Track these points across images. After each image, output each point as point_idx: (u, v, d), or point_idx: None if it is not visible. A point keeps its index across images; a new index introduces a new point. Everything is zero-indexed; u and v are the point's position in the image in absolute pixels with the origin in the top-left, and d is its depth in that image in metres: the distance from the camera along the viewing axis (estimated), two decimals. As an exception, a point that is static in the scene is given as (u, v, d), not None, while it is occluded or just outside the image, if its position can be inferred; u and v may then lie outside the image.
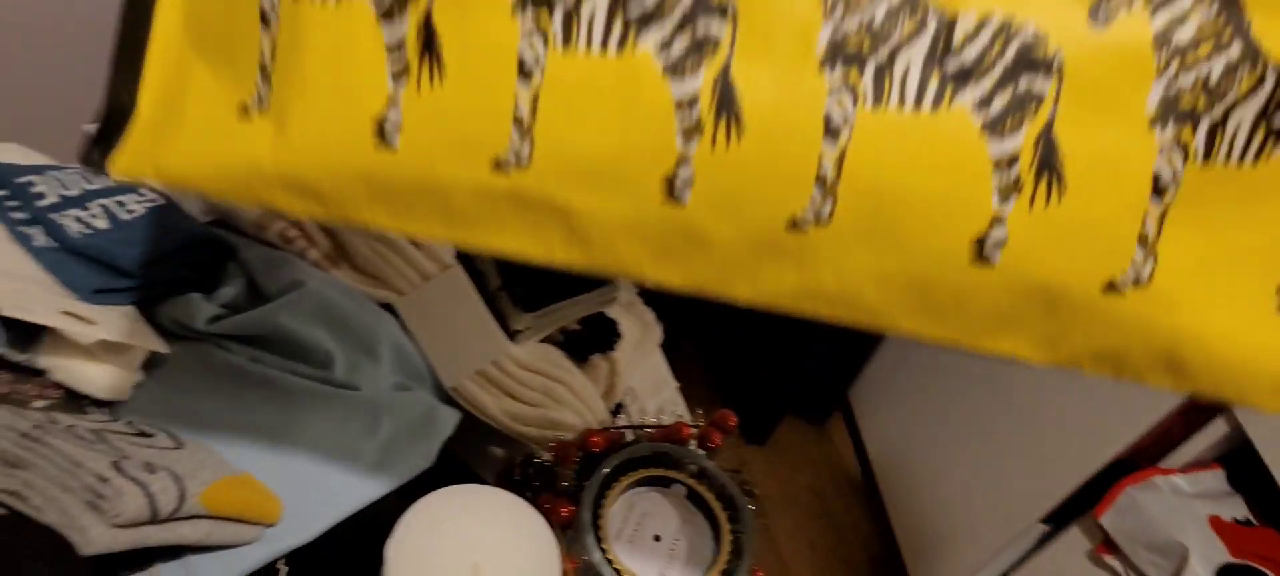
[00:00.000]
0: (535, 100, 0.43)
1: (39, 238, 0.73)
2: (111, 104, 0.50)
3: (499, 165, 0.44)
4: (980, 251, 0.42)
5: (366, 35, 0.45)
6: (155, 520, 0.62)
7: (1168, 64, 0.39)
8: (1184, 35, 0.39)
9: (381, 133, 0.45)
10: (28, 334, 0.68)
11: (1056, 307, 0.42)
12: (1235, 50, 0.39)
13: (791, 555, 1.87)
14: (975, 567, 1.63)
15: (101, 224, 0.74)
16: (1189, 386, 0.43)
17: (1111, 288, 0.41)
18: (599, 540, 0.70)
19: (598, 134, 0.43)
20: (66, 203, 0.75)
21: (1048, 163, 0.41)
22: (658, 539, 0.73)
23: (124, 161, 0.49)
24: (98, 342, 0.67)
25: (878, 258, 0.43)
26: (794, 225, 0.43)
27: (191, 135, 0.49)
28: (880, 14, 0.41)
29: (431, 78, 0.44)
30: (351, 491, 0.71)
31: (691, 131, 0.42)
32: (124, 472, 0.61)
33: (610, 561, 0.69)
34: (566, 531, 0.71)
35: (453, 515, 0.63)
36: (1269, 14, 0.39)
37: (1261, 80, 0.39)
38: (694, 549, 0.74)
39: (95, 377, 0.68)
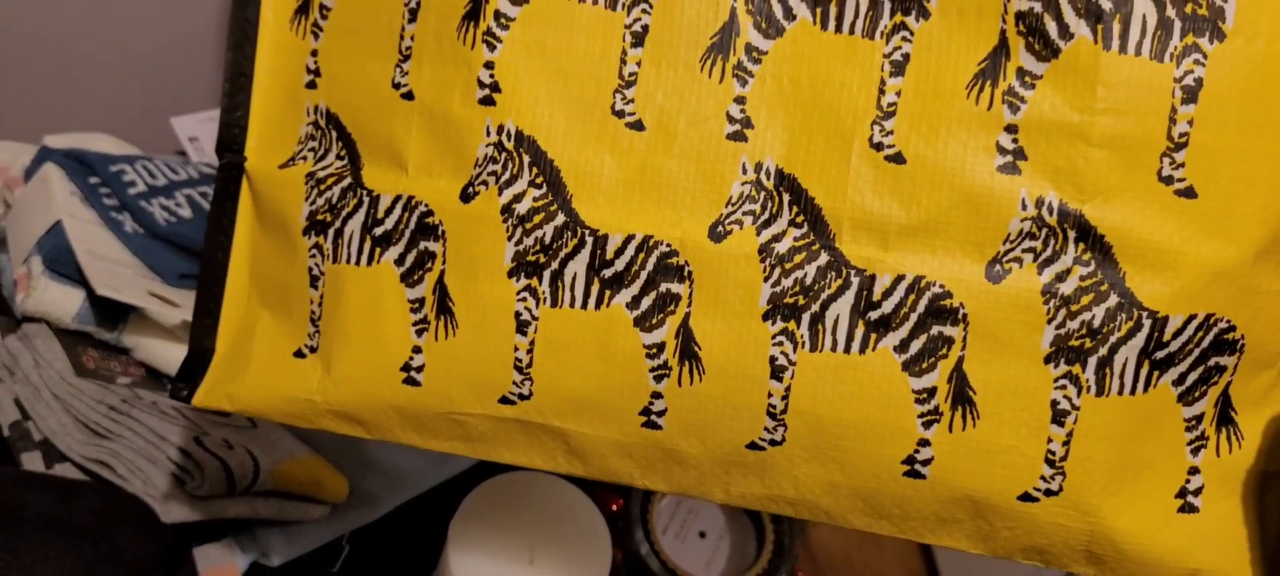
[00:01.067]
0: (531, 348, 0.52)
1: (128, 223, 0.77)
2: (195, 346, 0.60)
3: (505, 400, 0.53)
4: (911, 468, 0.48)
5: (393, 294, 0.54)
6: (232, 494, 0.66)
7: (1056, 312, 0.46)
8: (1067, 288, 0.46)
9: (408, 375, 0.54)
10: (116, 314, 0.72)
11: (982, 512, 0.48)
12: (1113, 299, 0.45)
13: (827, 566, 1.87)
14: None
15: (186, 213, 0.79)
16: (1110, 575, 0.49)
17: (1026, 497, 0.47)
18: (647, 533, 0.75)
19: (583, 375, 0.51)
20: (154, 191, 0.80)
21: (961, 395, 0.47)
22: (703, 535, 0.78)
23: (204, 394, 0.59)
24: (180, 324, 0.71)
25: (826, 472, 0.49)
26: (753, 446, 0.50)
27: (257, 373, 0.58)
28: (810, 274, 0.48)
29: (447, 330, 0.53)
30: (416, 476, 0.75)
31: (661, 372, 0.50)
32: (205, 447, 0.65)
33: (657, 553, 0.74)
34: (616, 522, 0.76)
35: (512, 500, 0.67)
36: (1140, 267, 0.45)
37: (1139, 324, 0.45)
38: (737, 547, 0.79)
39: (177, 357, 0.71)
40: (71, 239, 0.72)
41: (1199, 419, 0.47)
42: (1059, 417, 0.46)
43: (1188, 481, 0.48)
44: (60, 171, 0.79)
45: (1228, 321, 0.46)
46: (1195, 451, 0.48)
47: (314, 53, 0.58)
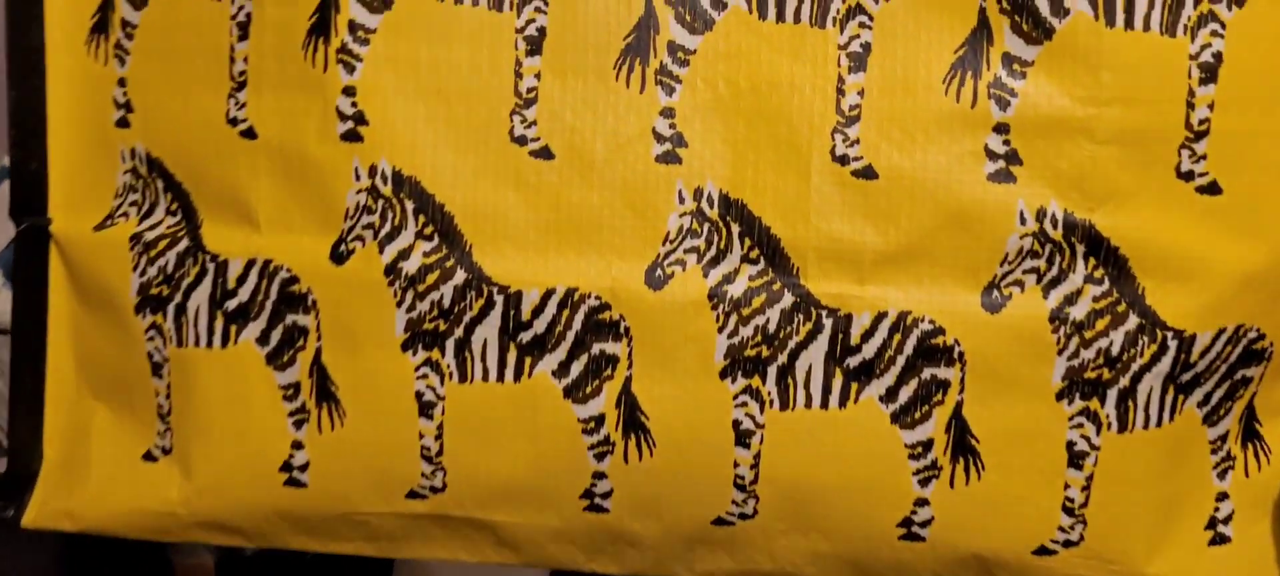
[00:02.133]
0: (440, 432, 0.42)
1: None
2: (15, 455, 0.49)
3: (414, 494, 0.44)
4: (908, 531, 0.41)
5: (259, 380, 0.44)
6: None
7: (1067, 341, 0.39)
8: (1079, 312, 0.39)
9: (290, 475, 0.44)
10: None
11: (992, 570, 0.42)
12: (1132, 320, 0.39)
13: None
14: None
15: None
16: None
17: (1043, 551, 0.41)
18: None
19: (508, 460, 0.42)
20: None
21: (962, 445, 0.40)
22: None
23: (36, 513, 0.48)
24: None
25: (809, 543, 0.42)
26: (720, 522, 0.42)
27: (101, 482, 0.48)
28: (774, 319, 0.40)
29: (332, 419, 0.43)
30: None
31: (602, 449, 0.41)
32: None
33: None
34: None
35: None
36: (1161, 280, 0.39)
37: (1163, 346, 0.39)
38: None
39: None
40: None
41: (1224, 438, 0.42)
42: (1077, 460, 0.40)
43: (1217, 509, 0.42)
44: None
45: (1257, 330, 0.40)
46: (1222, 474, 0.42)
47: (122, 82, 0.46)
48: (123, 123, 0.47)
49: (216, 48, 0.44)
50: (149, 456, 0.47)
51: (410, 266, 0.41)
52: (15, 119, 0.48)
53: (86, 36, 0.47)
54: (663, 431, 0.41)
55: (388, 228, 0.42)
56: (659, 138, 0.40)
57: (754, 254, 0.40)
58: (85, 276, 0.47)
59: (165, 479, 0.47)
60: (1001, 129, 0.38)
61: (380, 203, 0.41)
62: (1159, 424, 0.40)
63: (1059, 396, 0.39)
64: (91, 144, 0.48)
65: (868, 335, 0.40)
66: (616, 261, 0.41)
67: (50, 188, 0.48)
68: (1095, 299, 0.39)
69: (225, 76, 0.44)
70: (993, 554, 0.41)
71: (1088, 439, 0.40)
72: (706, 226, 0.40)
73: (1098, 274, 0.39)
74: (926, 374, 0.40)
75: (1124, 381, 0.39)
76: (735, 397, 0.41)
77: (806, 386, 0.40)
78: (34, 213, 0.48)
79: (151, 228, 0.46)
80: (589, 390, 0.41)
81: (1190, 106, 0.38)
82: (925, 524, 0.41)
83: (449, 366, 0.42)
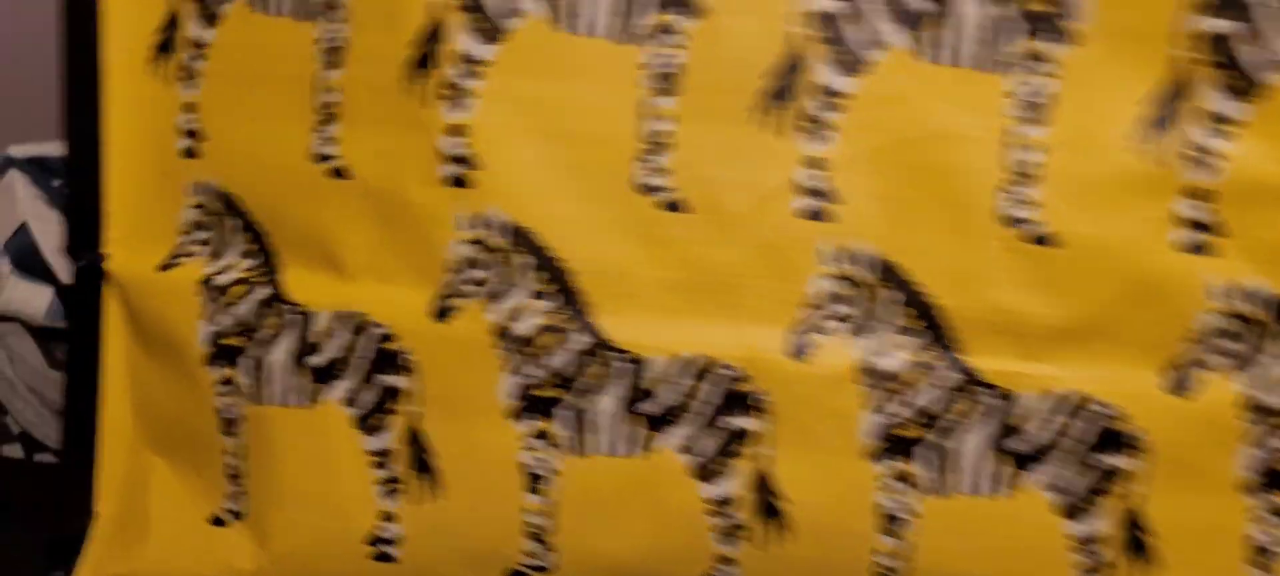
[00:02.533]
0: (550, 510, 0.39)
1: None
2: (65, 508, 0.45)
3: (516, 574, 0.40)
4: None
5: (345, 444, 0.41)
6: None
7: (1256, 429, 0.35)
8: (1275, 399, 0.35)
9: (379, 548, 0.40)
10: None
11: None
12: None
13: None
14: None
15: None
16: None
17: None
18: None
19: (625, 540, 0.39)
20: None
21: (1136, 542, 0.36)
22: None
23: (88, 575, 0.44)
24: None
25: None
26: None
27: (160, 544, 0.45)
28: (930, 396, 0.36)
29: (431, 490, 0.39)
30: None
31: (731, 533, 0.38)
32: None
33: None
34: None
35: None
36: None
37: None
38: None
39: None
40: (38, 239, 0.67)
41: None
42: (1262, 559, 0.36)
43: None
44: (24, 177, 0.75)
45: None
46: None
47: (189, 107, 0.42)
48: (190, 153, 0.43)
49: (300, 75, 0.40)
50: (217, 520, 0.43)
51: (523, 328, 0.38)
52: (72, 146, 0.44)
53: (150, 56, 0.43)
54: (802, 515, 0.37)
55: (498, 283, 0.38)
56: (804, 191, 0.36)
57: (909, 324, 0.36)
58: (146, 320, 0.44)
59: (235, 545, 0.43)
60: (1195, 193, 0.35)
61: (490, 256, 0.37)
62: None
63: (1243, 490, 0.36)
64: (153, 175, 0.44)
65: (1035, 417, 0.36)
66: (754, 327, 0.37)
67: (107, 222, 0.44)
68: None
69: (309, 108, 0.40)
70: None
71: (1276, 537, 0.36)
72: (856, 292, 0.37)
73: None
74: (1099, 461, 0.36)
75: None
76: (883, 481, 0.37)
77: (965, 471, 0.37)
78: (89, 248, 0.44)
79: (224, 271, 0.42)
80: (719, 468, 0.38)
81: None
82: None
83: (564, 438, 0.38)
